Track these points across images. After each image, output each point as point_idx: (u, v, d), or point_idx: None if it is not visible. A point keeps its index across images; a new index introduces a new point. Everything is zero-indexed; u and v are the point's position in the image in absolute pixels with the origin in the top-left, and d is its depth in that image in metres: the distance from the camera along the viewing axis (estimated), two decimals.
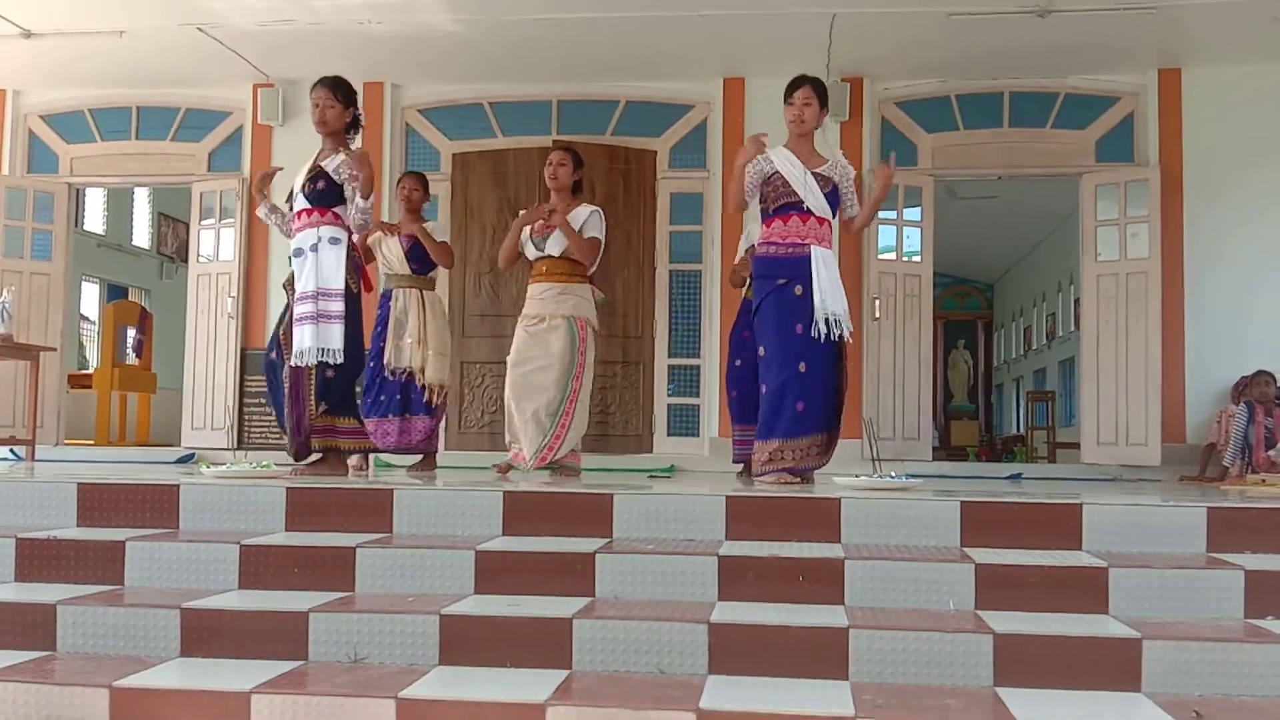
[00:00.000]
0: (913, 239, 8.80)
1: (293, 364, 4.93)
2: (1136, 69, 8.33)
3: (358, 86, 8.77)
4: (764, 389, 4.92)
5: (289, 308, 5.08)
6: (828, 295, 4.80)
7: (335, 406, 5.03)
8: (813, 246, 4.87)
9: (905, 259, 8.79)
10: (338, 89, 5.13)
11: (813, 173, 4.93)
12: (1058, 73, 8.40)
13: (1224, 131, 8.20)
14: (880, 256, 8.52)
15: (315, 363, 4.90)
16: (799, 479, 4.80)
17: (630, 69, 8.56)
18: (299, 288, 4.99)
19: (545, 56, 8.33)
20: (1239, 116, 8.21)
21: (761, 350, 4.96)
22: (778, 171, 4.92)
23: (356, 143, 5.24)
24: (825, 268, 4.85)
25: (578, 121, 8.84)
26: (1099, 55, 8.11)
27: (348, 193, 5.03)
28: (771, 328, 4.90)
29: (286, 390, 4.98)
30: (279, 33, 7.89)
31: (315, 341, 4.88)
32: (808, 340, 4.81)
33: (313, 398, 4.97)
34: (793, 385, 4.79)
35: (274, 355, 5.12)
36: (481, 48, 8.19)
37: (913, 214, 8.68)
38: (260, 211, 5.33)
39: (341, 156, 5.03)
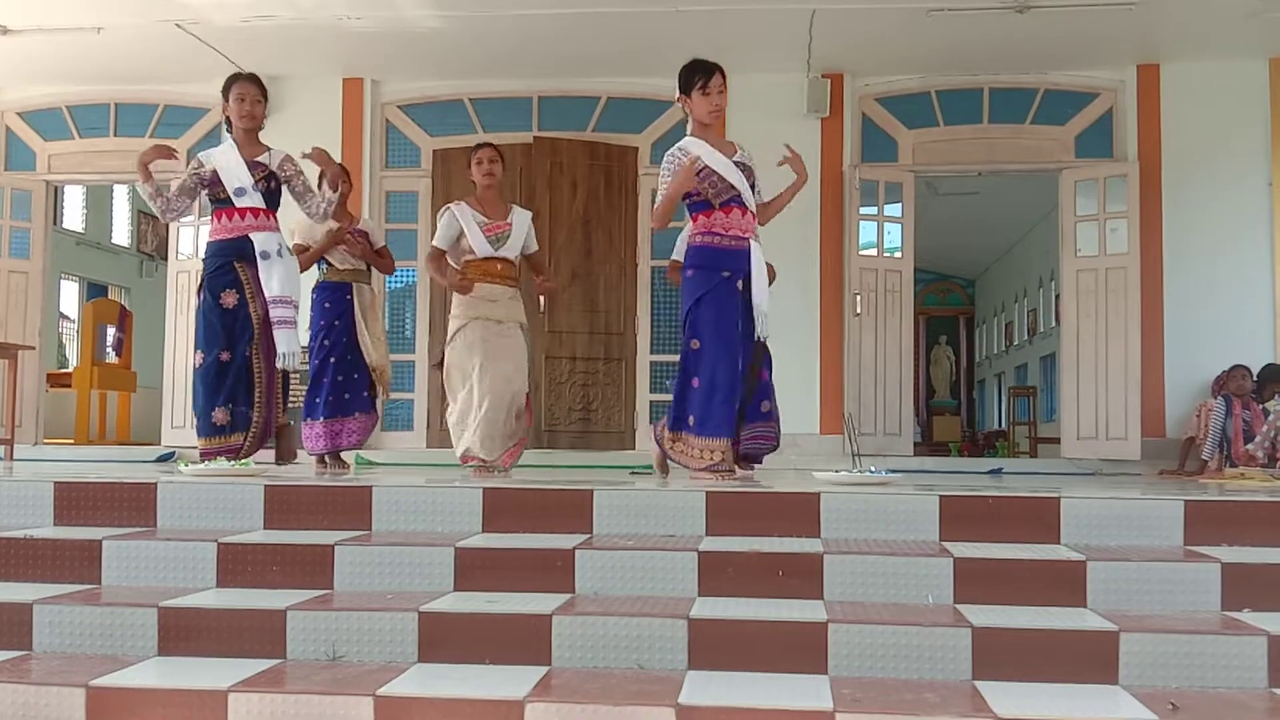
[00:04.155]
0: (894, 235, 8.83)
1: (279, 366, 5.04)
2: (1115, 65, 8.37)
3: (338, 82, 8.92)
4: (696, 383, 4.73)
5: (240, 309, 5.02)
6: (759, 293, 4.69)
7: (285, 401, 5.33)
8: (751, 241, 4.75)
9: (886, 255, 8.80)
10: (262, 85, 5.18)
11: (735, 162, 4.74)
12: (1037, 69, 8.44)
13: (1202, 126, 8.25)
14: (861, 252, 8.53)
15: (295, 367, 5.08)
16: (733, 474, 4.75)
17: (611, 65, 8.54)
18: (273, 290, 5.00)
19: (526, 52, 8.31)
20: (1216, 111, 8.26)
21: (696, 343, 4.74)
22: (707, 166, 4.71)
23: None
24: (758, 264, 4.73)
25: (558, 117, 8.83)
26: (1078, 51, 8.14)
27: (296, 188, 5.16)
28: (714, 324, 4.71)
29: (263, 391, 5.03)
30: (258, 28, 7.85)
31: (299, 345, 5.08)
32: (747, 337, 4.74)
33: (281, 397, 5.18)
34: (735, 383, 4.68)
35: (237, 356, 5.01)
36: (462, 43, 8.17)
37: (893, 210, 8.70)
38: (145, 190, 5.05)
39: (282, 154, 5.15)
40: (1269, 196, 8.21)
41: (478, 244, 5.49)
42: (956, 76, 8.53)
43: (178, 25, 7.86)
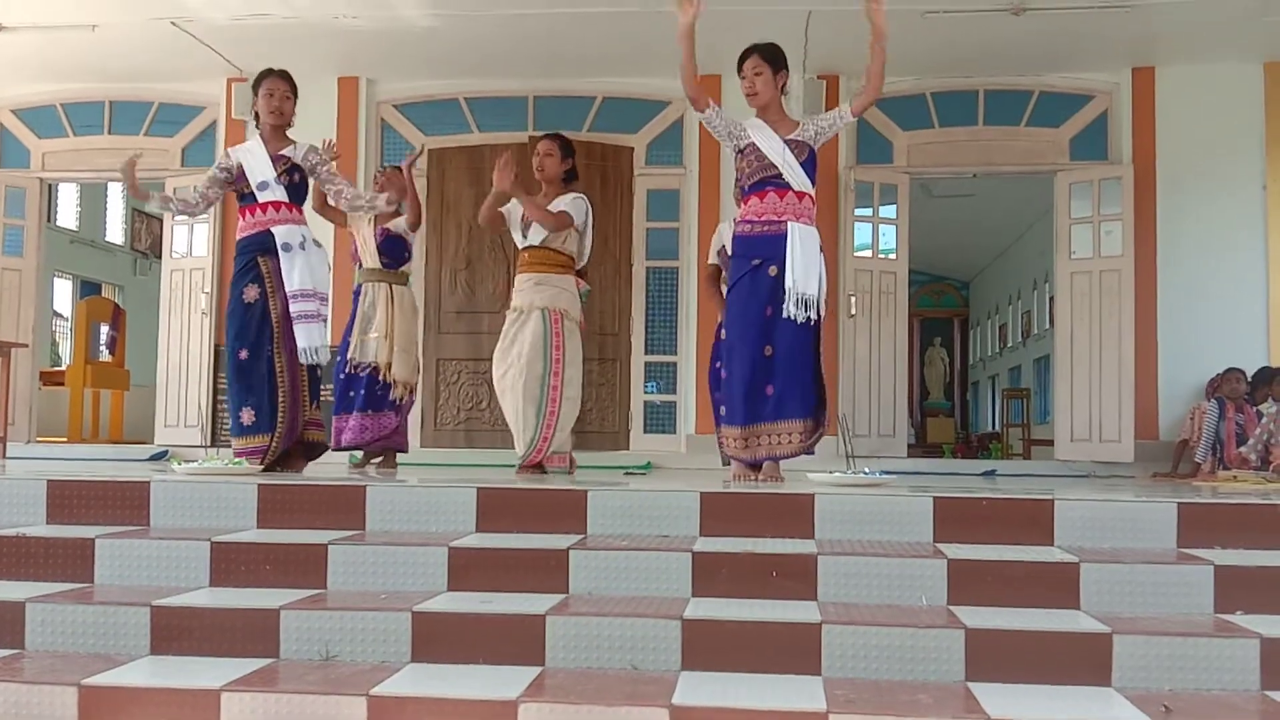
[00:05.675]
0: (888, 236, 8.83)
1: (301, 361, 4.96)
2: (1110, 67, 8.38)
3: (333, 81, 8.89)
4: (725, 374, 4.79)
5: (259, 304, 4.95)
6: (800, 275, 4.60)
7: (315, 399, 5.15)
8: (790, 223, 4.67)
9: (881, 256, 8.80)
10: (292, 81, 5.15)
11: (787, 140, 4.74)
12: (1032, 71, 8.44)
13: (1196, 129, 8.25)
14: (856, 254, 8.54)
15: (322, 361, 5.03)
16: (756, 472, 4.74)
17: (606, 65, 8.53)
18: (294, 284, 4.92)
19: (521, 52, 8.30)
20: (1211, 114, 8.26)
21: (724, 334, 4.82)
22: (753, 143, 4.75)
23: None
24: (802, 246, 4.64)
25: (554, 117, 8.80)
26: (1073, 53, 8.14)
27: (322, 175, 5.12)
28: (738, 310, 4.75)
29: (289, 389, 4.94)
30: (253, 27, 7.83)
31: (323, 340, 4.99)
32: (777, 323, 4.64)
33: (307, 394, 5.05)
34: (759, 370, 4.64)
35: (260, 355, 4.94)
36: (457, 43, 8.16)
37: (888, 211, 8.71)
38: (153, 205, 5.18)
39: (305, 145, 5.10)
40: (1263, 200, 8.21)
41: (514, 235, 5.59)
42: (951, 78, 8.53)
43: (173, 23, 7.84)
